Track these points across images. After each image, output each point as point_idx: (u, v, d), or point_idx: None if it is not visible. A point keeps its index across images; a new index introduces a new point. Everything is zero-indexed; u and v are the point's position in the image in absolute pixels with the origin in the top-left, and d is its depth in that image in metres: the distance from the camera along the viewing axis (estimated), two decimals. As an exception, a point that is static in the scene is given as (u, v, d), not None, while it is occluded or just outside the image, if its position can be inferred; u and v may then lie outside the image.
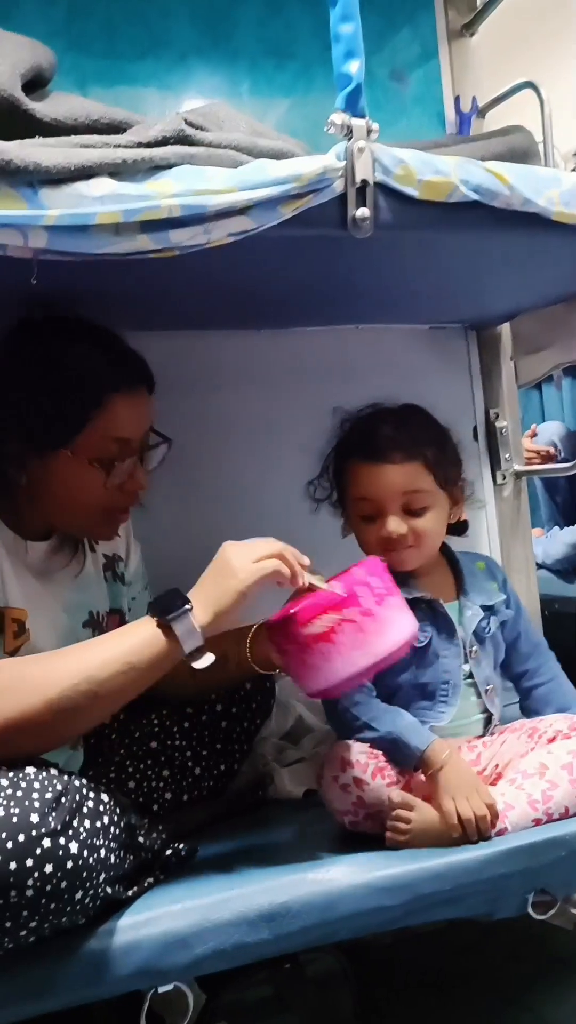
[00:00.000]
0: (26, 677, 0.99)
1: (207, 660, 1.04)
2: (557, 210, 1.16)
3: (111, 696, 1.01)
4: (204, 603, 1.05)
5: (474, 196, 1.11)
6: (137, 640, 1.03)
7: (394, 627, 1.09)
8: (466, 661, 1.31)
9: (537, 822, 1.14)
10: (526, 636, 1.42)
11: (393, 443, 1.28)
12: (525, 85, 1.61)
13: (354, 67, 1.05)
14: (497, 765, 1.27)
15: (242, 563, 1.08)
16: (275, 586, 1.10)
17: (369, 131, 1.06)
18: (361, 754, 1.20)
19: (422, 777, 1.18)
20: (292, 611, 1.10)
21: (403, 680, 1.28)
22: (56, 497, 1.17)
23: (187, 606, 1.04)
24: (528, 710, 1.41)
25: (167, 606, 1.04)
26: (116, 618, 1.33)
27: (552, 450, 3.30)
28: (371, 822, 1.18)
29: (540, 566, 2.88)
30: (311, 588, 1.11)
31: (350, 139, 1.05)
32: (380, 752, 1.21)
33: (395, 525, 1.27)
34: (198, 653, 1.04)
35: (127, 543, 1.40)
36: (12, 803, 0.86)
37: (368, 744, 1.21)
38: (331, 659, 1.07)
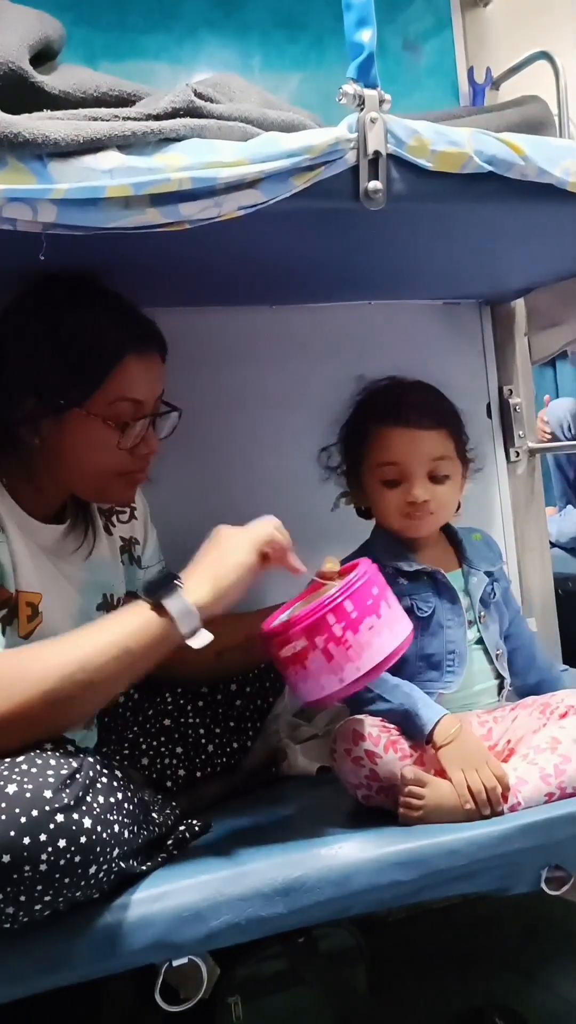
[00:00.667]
0: (22, 668, 0.96)
1: (204, 639, 1.03)
2: (573, 181, 1.14)
3: (107, 684, 0.99)
4: (203, 581, 1.05)
5: (488, 167, 1.09)
6: (132, 625, 1.01)
7: (366, 652, 1.09)
8: (475, 627, 1.32)
9: (550, 796, 1.14)
10: (511, 603, 1.44)
11: (425, 409, 1.32)
12: (540, 55, 1.59)
13: (366, 36, 1.02)
14: (509, 741, 1.27)
15: (242, 539, 1.08)
16: (272, 571, 1.10)
17: (381, 101, 1.04)
18: (373, 727, 1.20)
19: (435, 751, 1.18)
20: (268, 631, 1.12)
21: (408, 652, 1.27)
22: (70, 459, 1.17)
23: (179, 586, 1.03)
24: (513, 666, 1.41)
25: (161, 588, 1.04)
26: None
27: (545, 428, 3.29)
28: (384, 796, 1.18)
29: (553, 544, 2.87)
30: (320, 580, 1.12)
31: (362, 110, 1.03)
32: (392, 725, 1.21)
33: (421, 490, 1.29)
34: (194, 632, 1.03)
35: (144, 526, 1.40)
36: (26, 779, 0.87)
37: (380, 717, 1.22)
38: (306, 681, 1.10)
